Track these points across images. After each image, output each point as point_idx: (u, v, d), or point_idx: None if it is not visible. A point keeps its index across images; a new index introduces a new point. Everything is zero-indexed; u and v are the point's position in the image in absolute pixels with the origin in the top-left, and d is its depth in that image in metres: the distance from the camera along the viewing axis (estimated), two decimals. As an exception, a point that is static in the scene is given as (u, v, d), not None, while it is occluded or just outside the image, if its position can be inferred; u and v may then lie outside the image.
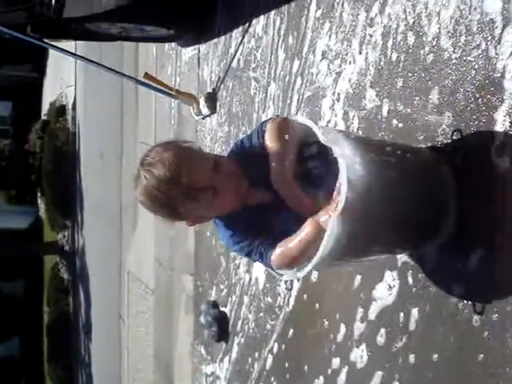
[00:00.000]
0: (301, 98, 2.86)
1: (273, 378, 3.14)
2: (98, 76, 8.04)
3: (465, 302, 1.78)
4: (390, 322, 2.12)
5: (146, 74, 4.39)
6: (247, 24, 3.55)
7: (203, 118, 4.30)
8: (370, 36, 2.31)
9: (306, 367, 2.76)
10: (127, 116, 7.07)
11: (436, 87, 1.93)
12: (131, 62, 6.38)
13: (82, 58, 5.09)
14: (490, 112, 1.72)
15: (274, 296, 3.10)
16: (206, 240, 4.19)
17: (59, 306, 12.71)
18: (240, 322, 3.58)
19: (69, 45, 6.96)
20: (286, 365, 2.97)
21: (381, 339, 2.17)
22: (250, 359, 3.41)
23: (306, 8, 2.83)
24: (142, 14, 4.07)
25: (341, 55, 2.52)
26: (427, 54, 1.98)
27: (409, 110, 2.06)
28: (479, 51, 1.76)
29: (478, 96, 1.77)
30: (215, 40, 4.08)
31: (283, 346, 3.02)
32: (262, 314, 3.26)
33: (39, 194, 15.66)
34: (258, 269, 3.26)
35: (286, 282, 2.92)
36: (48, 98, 15.75)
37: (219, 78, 4.02)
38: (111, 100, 7.80)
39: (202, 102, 4.20)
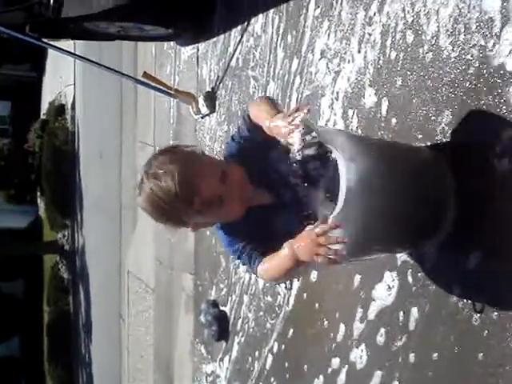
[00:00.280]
0: (300, 96, 2.85)
1: (273, 378, 3.14)
2: (97, 75, 8.03)
3: (464, 300, 1.78)
4: (390, 321, 2.12)
5: (144, 73, 4.38)
6: (246, 23, 3.54)
7: (202, 117, 4.29)
8: (369, 35, 2.31)
9: (305, 367, 2.76)
10: (126, 115, 7.06)
11: (435, 86, 1.93)
12: (130, 61, 6.37)
13: (81, 57, 5.09)
14: (488, 111, 1.72)
15: (274, 295, 3.10)
16: (205, 239, 4.19)
17: (59, 305, 12.71)
18: (240, 321, 3.57)
19: (68, 44, 6.95)
20: (286, 364, 2.97)
21: (380, 339, 2.17)
22: (250, 358, 3.41)
23: (305, 7, 2.82)
24: (141, 13, 4.06)
25: (340, 54, 2.52)
26: (426, 52, 1.98)
27: (408, 109, 2.05)
28: (478, 50, 1.76)
29: (476, 95, 1.76)
30: (214, 39, 4.08)
31: (283, 346, 3.02)
32: (261, 313, 3.25)
33: (39, 194, 15.65)
34: (258, 268, 3.26)
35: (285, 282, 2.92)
36: (47, 97, 15.74)
37: (218, 77, 4.01)
38: (110, 99, 7.80)
39: (201, 101, 4.19)
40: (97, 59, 5.89)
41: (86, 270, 10.52)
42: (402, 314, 2.05)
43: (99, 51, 7.58)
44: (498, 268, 1.69)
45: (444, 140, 1.88)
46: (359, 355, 2.31)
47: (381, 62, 2.23)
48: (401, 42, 2.12)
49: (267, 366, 3.19)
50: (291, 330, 2.94)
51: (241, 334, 3.57)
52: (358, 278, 2.32)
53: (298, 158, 1.64)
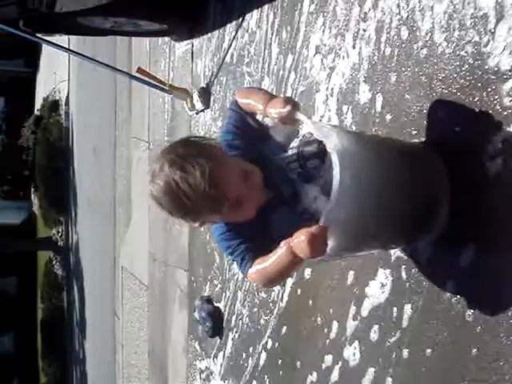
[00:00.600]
0: (294, 92, 2.85)
1: (266, 374, 3.14)
2: (91, 71, 8.00)
3: (458, 296, 1.78)
4: (383, 317, 2.13)
5: (139, 68, 4.37)
6: (241, 19, 3.53)
7: (197, 113, 4.28)
8: (364, 31, 2.31)
9: (299, 363, 2.77)
10: (121, 111, 7.04)
11: (429, 82, 1.93)
12: (124, 56, 6.35)
13: (76, 52, 5.06)
14: (483, 107, 1.72)
15: (268, 291, 3.10)
16: (200, 235, 4.18)
17: (53, 302, 12.68)
18: (234, 317, 3.57)
19: (62, 39, 6.93)
20: (280, 361, 2.97)
21: (374, 335, 2.18)
22: (244, 354, 3.41)
23: (300, 2, 2.82)
24: (135, 8, 4.05)
25: (334, 50, 2.52)
26: (421, 48, 1.98)
27: (402, 105, 2.05)
28: (473, 46, 1.76)
29: (471, 91, 1.76)
30: (209, 35, 4.07)
31: (277, 342, 3.02)
32: (256, 310, 3.26)
33: (32, 190, 15.60)
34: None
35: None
36: (41, 93, 15.67)
37: (213, 72, 4.00)
38: (104, 95, 7.77)
39: (195, 96, 4.18)
40: (91, 54, 5.88)
41: (80, 266, 10.50)
42: (395, 310, 2.06)
43: (93, 46, 7.55)
44: (491, 264, 1.69)
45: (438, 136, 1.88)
46: (352, 352, 2.32)
47: (375, 57, 2.23)
48: (395, 38, 2.12)
49: (261, 363, 3.19)
50: (285, 327, 2.94)
51: (235, 330, 3.57)
52: (351, 274, 2.33)
53: (295, 151, 1.64)
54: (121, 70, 5.01)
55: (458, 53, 1.82)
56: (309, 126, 1.56)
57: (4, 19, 4.12)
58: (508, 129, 1.64)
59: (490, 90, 1.70)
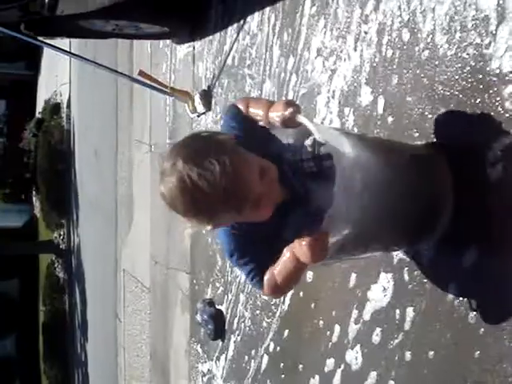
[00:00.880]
0: (296, 95, 2.85)
1: (269, 377, 3.14)
2: (92, 74, 8.01)
3: (461, 298, 1.78)
4: (386, 319, 2.12)
5: (140, 71, 4.37)
6: (242, 21, 3.54)
7: (198, 116, 4.29)
8: (365, 33, 2.31)
9: (301, 366, 2.76)
10: (122, 114, 7.04)
11: (431, 84, 1.93)
12: (126, 59, 6.35)
13: (77, 55, 5.07)
14: (485, 109, 1.72)
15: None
16: (201, 238, 4.18)
17: (55, 304, 12.67)
18: (236, 320, 3.57)
19: (63, 42, 6.93)
20: (282, 364, 2.97)
21: (376, 338, 2.17)
22: (246, 357, 3.41)
23: (301, 5, 2.82)
24: (137, 11, 4.05)
25: (336, 52, 2.52)
26: (422, 50, 1.98)
27: (404, 107, 2.05)
28: (474, 48, 1.76)
29: (472, 93, 1.77)
30: (210, 37, 4.07)
31: (279, 345, 3.02)
32: (258, 312, 3.25)
33: (34, 193, 15.61)
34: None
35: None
36: (42, 95, 15.68)
37: (214, 75, 4.01)
38: (106, 98, 7.78)
39: (197, 99, 4.19)
40: (92, 57, 5.88)
41: (82, 269, 10.49)
42: (397, 312, 2.06)
43: (95, 49, 7.56)
44: (494, 266, 1.69)
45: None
46: (354, 356, 2.31)
47: (377, 60, 2.23)
48: (397, 40, 2.12)
49: (263, 365, 3.18)
50: (287, 329, 2.94)
51: (237, 332, 3.56)
52: (353, 276, 2.32)
53: (310, 150, 1.59)
54: (122, 73, 5.01)
55: (459, 55, 1.82)
56: (310, 129, 1.56)
57: (5, 22, 4.13)
58: (510, 130, 1.64)
59: (491, 92, 1.70)
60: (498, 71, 1.68)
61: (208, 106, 4.10)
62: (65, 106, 12.30)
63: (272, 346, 3.08)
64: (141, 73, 4.34)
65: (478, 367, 1.71)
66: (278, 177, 1.49)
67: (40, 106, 15.39)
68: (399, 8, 2.11)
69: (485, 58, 1.72)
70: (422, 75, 1.97)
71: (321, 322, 2.57)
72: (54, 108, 13.12)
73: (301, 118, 1.57)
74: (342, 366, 2.39)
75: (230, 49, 3.72)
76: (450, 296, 1.81)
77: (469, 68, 1.78)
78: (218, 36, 3.93)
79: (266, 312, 3.14)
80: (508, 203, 1.66)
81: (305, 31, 2.79)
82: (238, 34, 3.60)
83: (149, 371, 5.71)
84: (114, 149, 7.38)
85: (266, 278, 1.54)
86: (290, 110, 1.54)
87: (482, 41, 1.74)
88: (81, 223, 10.71)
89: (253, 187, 1.37)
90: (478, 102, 1.74)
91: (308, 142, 1.65)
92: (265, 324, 3.15)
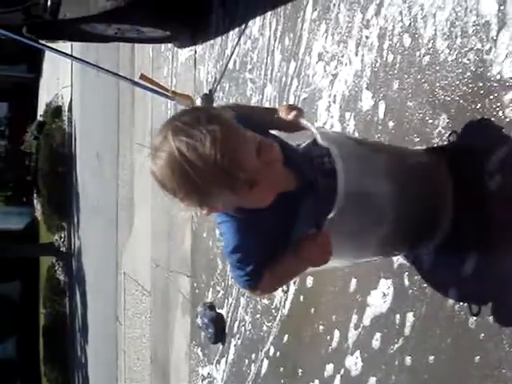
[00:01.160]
0: (297, 99, 2.85)
1: (268, 381, 3.14)
2: (94, 77, 8.03)
3: (461, 303, 1.78)
4: (386, 324, 2.12)
5: (142, 75, 4.38)
6: (243, 25, 3.54)
7: (199, 120, 4.29)
8: (366, 38, 2.31)
9: (300, 371, 2.76)
10: (123, 117, 7.05)
11: (432, 89, 1.93)
12: (127, 63, 6.36)
13: (78, 59, 5.09)
14: (485, 114, 1.72)
15: (271, 298, 3.09)
16: (202, 241, 4.18)
17: (55, 307, 12.67)
18: (237, 323, 3.57)
19: (65, 46, 6.95)
20: (282, 368, 2.97)
21: (376, 343, 2.17)
22: (246, 361, 3.41)
23: (302, 9, 2.83)
24: (138, 15, 4.07)
25: (337, 57, 2.52)
26: (423, 55, 1.98)
27: (405, 112, 2.06)
28: (475, 53, 1.77)
29: (473, 98, 1.77)
30: (211, 41, 4.08)
31: (279, 349, 3.02)
32: (258, 316, 3.25)
33: (35, 195, 15.62)
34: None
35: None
36: (44, 98, 15.70)
37: (215, 79, 4.01)
38: (107, 101, 7.79)
39: (198, 103, 4.19)
40: (94, 61, 5.90)
41: (83, 271, 10.49)
42: (398, 317, 2.05)
43: (96, 53, 7.57)
44: (494, 271, 1.69)
45: (441, 143, 1.89)
46: (354, 361, 2.31)
47: (378, 65, 2.23)
48: (398, 45, 2.12)
49: (263, 370, 3.18)
50: (287, 334, 2.94)
51: (237, 336, 3.56)
52: (354, 281, 2.32)
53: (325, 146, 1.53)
54: (124, 77, 5.02)
55: (460, 60, 1.82)
56: (313, 133, 1.56)
57: (8, 25, 4.15)
58: (510, 136, 1.65)
59: (492, 97, 1.70)
60: (498, 77, 1.68)
61: (209, 109, 4.11)
62: (66, 108, 12.32)
63: (272, 350, 3.08)
64: (142, 76, 4.35)
65: (478, 372, 1.71)
66: (285, 162, 1.39)
67: (41, 108, 15.42)
68: (400, 13, 2.11)
69: (485, 64, 1.72)
70: (423, 80, 1.97)
71: (321, 327, 2.57)
72: (55, 111, 13.15)
73: (304, 122, 1.58)
74: (342, 371, 2.39)
75: (232, 53, 3.73)
76: (451, 301, 1.81)
77: (469, 73, 1.78)
78: (220, 40, 3.93)
79: (267, 316, 3.14)
80: (508, 207, 1.66)
81: (306, 36, 2.80)
82: (240, 39, 3.60)
83: (149, 374, 5.70)
84: (116, 152, 7.39)
85: (263, 280, 1.49)
86: (294, 113, 1.54)
87: (482, 46, 1.74)
88: (82, 226, 10.71)
89: (247, 162, 1.26)
90: (478, 107, 1.75)
91: (310, 145, 1.65)
92: (265, 328, 3.15)
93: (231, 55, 3.74)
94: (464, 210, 1.76)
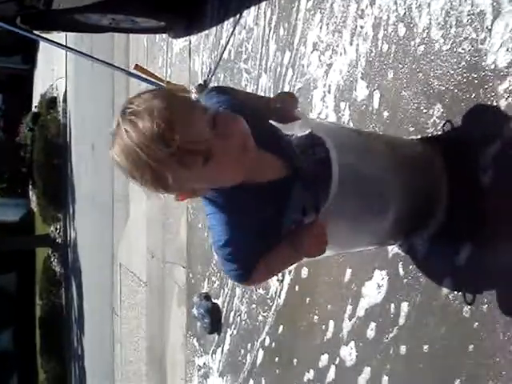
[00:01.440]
0: (292, 89, 2.85)
1: (264, 371, 3.15)
2: (89, 68, 7.99)
3: (455, 292, 1.79)
4: (381, 314, 2.13)
5: (136, 65, 4.36)
6: (238, 15, 3.53)
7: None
8: (361, 27, 2.31)
9: (295, 360, 2.77)
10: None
11: (426, 79, 1.93)
12: (122, 53, 6.34)
13: (73, 49, 5.06)
14: (479, 103, 1.73)
15: (266, 288, 3.10)
16: (198, 232, 4.19)
17: (51, 298, 12.68)
18: (232, 313, 3.58)
19: (59, 36, 6.91)
20: (277, 358, 2.98)
21: (371, 333, 2.18)
22: (242, 351, 3.42)
23: (297, -1, 2.82)
24: (133, 5, 4.04)
25: (332, 47, 2.52)
26: (418, 45, 1.98)
27: (399, 102, 2.06)
28: (469, 43, 1.76)
29: (468, 88, 1.77)
30: (206, 31, 4.06)
31: (274, 339, 3.03)
32: (254, 306, 3.26)
33: (30, 187, 15.59)
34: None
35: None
36: (39, 89, 15.64)
37: (210, 69, 4.00)
38: (102, 92, 7.76)
39: (193, 93, 4.18)
40: (88, 51, 5.86)
41: (79, 263, 10.49)
42: (392, 306, 2.06)
43: (91, 43, 7.54)
44: (488, 260, 1.69)
45: (435, 133, 1.89)
46: (349, 351, 2.32)
47: (373, 54, 2.23)
48: (393, 34, 2.12)
49: (259, 359, 3.19)
50: (283, 324, 2.95)
51: (233, 326, 3.57)
52: (349, 271, 2.33)
53: (309, 135, 1.55)
54: (118, 67, 5.00)
55: (455, 50, 1.82)
56: (307, 122, 1.56)
57: (2, 16, 4.12)
58: (505, 125, 1.65)
59: (486, 86, 1.70)
60: (493, 66, 1.68)
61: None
62: (61, 100, 12.27)
63: (267, 340, 3.09)
64: (137, 67, 4.33)
65: (472, 361, 1.72)
66: (273, 149, 1.40)
67: (36, 100, 15.36)
68: (395, 2, 2.11)
69: (480, 53, 1.72)
70: (418, 70, 1.97)
71: (316, 317, 2.57)
72: (50, 102, 13.10)
73: (297, 112, 1.58)
74: (337, 361, 2.40)
75: (226, 43, 3.72)
76: (445, 290, 1.82)
77: (464, 63, 1.78)
78: (214, 30, 3.92)
79: (262, 306, 3.15)
80: (502, 197, 1.66)
81: (301, 26, 2.79)
82: (234, 29, 3.59)
83: (145, 365, 5.72)
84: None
85: (255, 272, 1.47)
86: (288, 102, 1.54)
87: (477, 36, 1.74)
88: (77, 217, 10.71)
89: (192, 132, 1.21)
90: (473, 96, 1.75)
91: (304, 135, 1.65)
92: (260, 318, 3.16)
93: (226, 45, 3.73)
94: (459, 200, 1.76)
